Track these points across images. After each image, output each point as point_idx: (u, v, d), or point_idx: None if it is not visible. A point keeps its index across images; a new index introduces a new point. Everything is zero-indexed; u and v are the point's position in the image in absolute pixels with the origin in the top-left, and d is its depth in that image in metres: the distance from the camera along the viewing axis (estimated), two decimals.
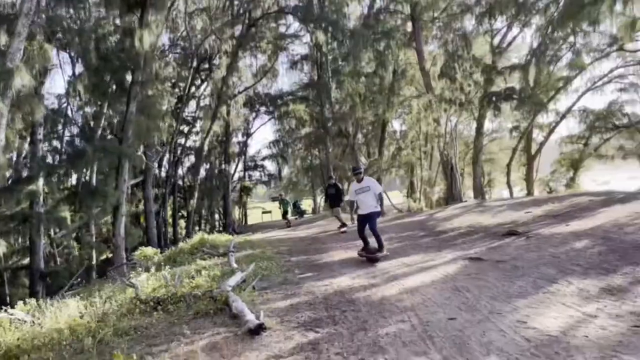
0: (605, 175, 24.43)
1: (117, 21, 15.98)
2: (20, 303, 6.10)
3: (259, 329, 4.18)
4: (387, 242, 9.09)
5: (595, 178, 23.33)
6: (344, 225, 13.07)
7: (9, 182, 14.08)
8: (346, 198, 8.18)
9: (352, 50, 19.88)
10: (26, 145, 16.28)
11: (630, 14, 16.06)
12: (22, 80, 9.40)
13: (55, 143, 20.40)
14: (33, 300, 6.21)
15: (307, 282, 6.48)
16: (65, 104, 20.30)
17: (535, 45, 19.67)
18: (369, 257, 7.76)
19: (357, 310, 4.80)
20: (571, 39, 18.95)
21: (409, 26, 21.15)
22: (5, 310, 5.73)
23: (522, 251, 6.77)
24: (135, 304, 5.55)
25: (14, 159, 17.00)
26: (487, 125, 23.48)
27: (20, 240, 17.47)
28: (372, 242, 8.20)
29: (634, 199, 9.78)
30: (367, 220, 8.12)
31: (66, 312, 5.60)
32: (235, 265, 7.61)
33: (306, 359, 3.56)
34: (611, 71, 20.24)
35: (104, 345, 4.23)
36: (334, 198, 13.73)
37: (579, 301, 4.24)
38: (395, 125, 28.10)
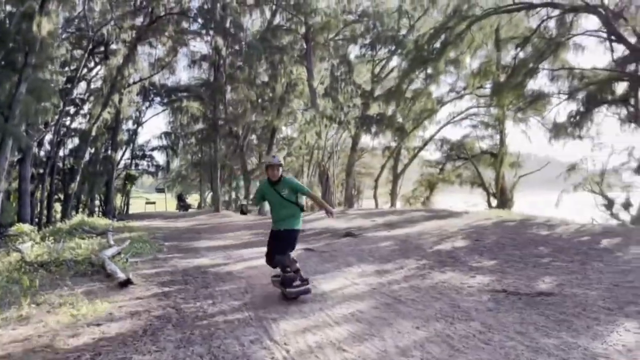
0: (459, 198, 28.16)
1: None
2: None
3: (127, 283, 5.74)
4: (253, 235, 10.98)
5: (451, 198, 27.04)
6: None
7: None
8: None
9: (247, 60, 21.58)
10: None
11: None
12: None
13: None
14: None
15: (174, 260, 8.08)
16: None
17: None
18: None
19: (205, 277, 6.54)
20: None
21: (303, 45, 23.35)
22: None
23: (344, 246, 9.00)
24: (21, 265, 6.70)
25: None
26: (366, 141, 26.64)
27: None
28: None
29: (452, 216, 12.78)
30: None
31: None
32: (112, 242, 8.91)
33: (159, 300, 5.21)
34: (468, 109, 24.31)
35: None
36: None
37: (355, 277, 6.38)
38: (288, 131, 30.32)
